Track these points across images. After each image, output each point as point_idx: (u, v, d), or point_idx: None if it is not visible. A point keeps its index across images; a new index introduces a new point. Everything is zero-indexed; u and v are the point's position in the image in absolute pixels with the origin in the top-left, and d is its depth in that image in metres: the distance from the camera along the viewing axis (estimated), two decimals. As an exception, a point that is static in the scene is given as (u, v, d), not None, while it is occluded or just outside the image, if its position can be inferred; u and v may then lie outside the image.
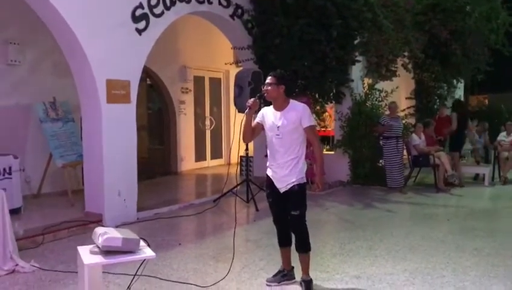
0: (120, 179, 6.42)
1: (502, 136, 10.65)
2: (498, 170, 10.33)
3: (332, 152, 9.56)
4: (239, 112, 7.05)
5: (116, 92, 6.35)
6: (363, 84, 9.76)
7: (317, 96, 8.99)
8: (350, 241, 5.53)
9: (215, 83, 11.87)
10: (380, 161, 9.32)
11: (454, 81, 13.01)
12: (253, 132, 4.16)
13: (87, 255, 3.08)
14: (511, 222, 6.72)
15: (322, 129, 10.28)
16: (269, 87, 4.01)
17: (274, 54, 8.38)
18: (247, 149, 7.93)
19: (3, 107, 7.27)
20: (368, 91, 9.59)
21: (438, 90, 12.54)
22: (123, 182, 6.47)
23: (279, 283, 4.18)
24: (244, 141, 4.33)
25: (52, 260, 4.90)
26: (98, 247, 3.08)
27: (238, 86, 7.18)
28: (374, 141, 9.26)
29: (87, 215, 6.34)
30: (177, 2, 7.20)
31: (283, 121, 3.96)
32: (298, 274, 4.18)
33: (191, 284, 4.18)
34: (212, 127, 11.68)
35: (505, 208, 7.80)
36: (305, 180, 4.03)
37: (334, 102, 9.39)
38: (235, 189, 7.53)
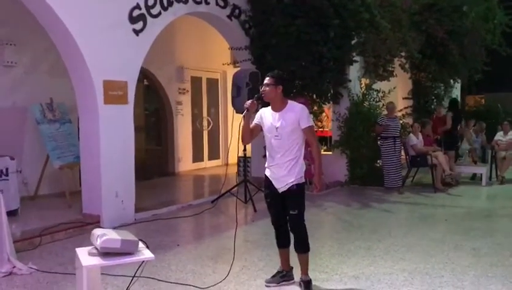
0: (118, 180, 6.40)
1: (499, 135, 10.68)
2: (495, 170, 10.36)
3: (330, 152, 9.56)
4: (237, 112, 6.99)
5: (113, 93, 6.34)
6: (361, 84, 9.77)
7: (314, 96, 8.98)
8: (348, 242, 5.52)
9: (213, 83, 11.85)
10: (378, 161, 9.34)
11: (451, 81, 13.04)
12: (251, 134, 4.15)
13: (85, 256, 3.06)
14: (509, 222, 6.72)
15: (320, 130, 10.28)
16: (267, 88, 4.00)
17: (271, 54, 8.38)
18: (245, 150, 7.92)
19: (-1, 109, 7.25)
20: (365, 91, 9.61)
21: (435, 90, 12.57)
22: (121, 183, 6.45)
23: (278, 283, 4.17)
24: (243, 143, 4.33)
25: (49, 261, 4.87)
26: (97, 249, 3.06)
27: (236, 86, 7.17)
28: (371, 141, 9.27)
29: (85, 216, 6.32)
30: (175, 2, 7.19)
31: (281, 122, 3.95)
32: (297, 275, 4.18)
33: (190, 285, 4.17)
34: (209, 128, 11.67)
35: (502, 207, 7.81)
36: (303, 180, 4.03)
37: (331, 102, 9.39)
38: (233, 190, 7.53)
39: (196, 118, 11.34)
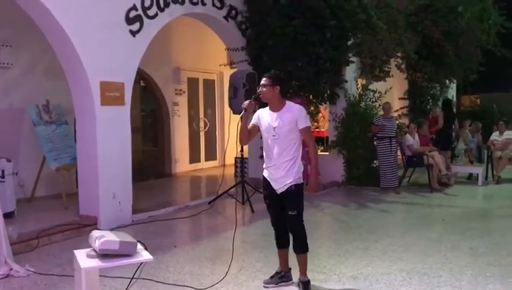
0: (115, 181, 6.39)
1: (495, 135, 10.73)
2: (491, 170, 10.40)
3: (327, 153, 9.57)
4: (234, 113, 7.06)
5: (110, 94, 6.32)
6: (357, 85, 9.79)
7: (311, 97, 8.99)
8: (346, 242, 5.53)
9: (209, 84, 11.85)
10: (375, 161, 9.36)
11: (447, 81, 13.09)
12: (249, 134, 4.15)
13: (84, 258, 3.05)
14: (506, 222, 6.74)
15: (316, 130, 10.30)
16: (264, 89, 4.00)
17: (268, 55, 8.39)
18: (242, 151, 7.92)
19: (-5, 110, 7.23)
20: (361, 92, 9.63)
21: (430, 90, 12.61)
22: (118, 184, 6.44)
23: (276, 284, 4.17)
24: (240, 144, 4.33)
25: (47, 263, 4.86)
26: (95, 250, 3.05)
27: (233, 87, 7.17)
28: (368, 142, 9.29)
29: (82, 218, 6.30)
30: (171, 3, 7.19)
31: (279, 122, 3.96)
32: (295, 275, 4.18)
33: (188, 286, 4.16)
34: (206, 129, 11.66)
35: (499, 207, 7.85)
36: (302, 181, 4.03)
37: (328, 103, 9.41)
38: (231, 190, 7.52)
39: (193, 119, 11.33)
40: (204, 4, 7.87)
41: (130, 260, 3.06)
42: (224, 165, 8.78)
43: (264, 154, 4.15)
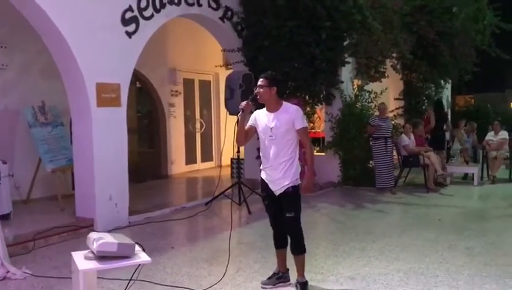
0: (111, 183, 6.38)
1: (490, 135, 10.79)
2: (487, 170, 10.45)
3: (323, 153, 9.58)
4: (230, 114, 7.02)
5: (106, 95, 6.31)
6: (353, 85, 9.81)
7: (307, 98, 9.00)
8: (343, 243, 5.54)
9: (205, 85, 11.83)
10: (371, 161, 9.38)
11: (442, 81, 13.14)
12: (246, 135, 4.16)
13: (81, 260, 3.04)
14: (501, 221, 6.77)
15: (312, 131, 10.30)
16: (261, 90, 4.00)
17: (264, 56, 8.39)
18: (238, 151, 7.91)
19: (-9, 112, 7.19)
20: (357, 92, 9.65)
21: (426, 90, 12.65)
22: (114, 186, 6.42)
23: (274, 285, 4.17)
24: (238, 145, 4.33)
25: (44, 266, 4.84)
26: (93, 252, 3.04)
27: (229, 88, 7.16)
28: (364, 142, 9.31)
29: (78, 220, 6.27)
30: (167, 4, 7.18)
31: (276, 123, 3.96)
32: (293, 276, 4.19)
33: (186, 288, 4.16)
34: (202, 130, 11.65)
35: (494, 207, 7.88)
36: (299, 182, 4.03)
37: (324, 103, 9.42)
38: (227, 191, 7.51)
39: (189, 120, 11.31)
40: (200, 5, 7.87)
41: (128, 262, 3.06)
42: (220, 166, 8.77)
43: (261, 155, 4.15)
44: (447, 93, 14.62)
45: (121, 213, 6.49)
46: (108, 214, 6.30)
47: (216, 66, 10.65)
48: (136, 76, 9.31)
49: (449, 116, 15.25)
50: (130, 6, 6.59)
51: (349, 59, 9.26)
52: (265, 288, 4.17)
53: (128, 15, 6.58)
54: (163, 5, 7.10)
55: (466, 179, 10.46)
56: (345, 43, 9.02)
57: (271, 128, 3.97)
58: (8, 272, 4.46)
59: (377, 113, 9.35)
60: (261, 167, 4.14)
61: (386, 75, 10.39)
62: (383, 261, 4.86)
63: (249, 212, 7.06)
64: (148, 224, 6.55)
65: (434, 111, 10.79)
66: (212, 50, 10.19)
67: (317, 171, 8.76)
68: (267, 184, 4.07)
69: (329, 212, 7.36)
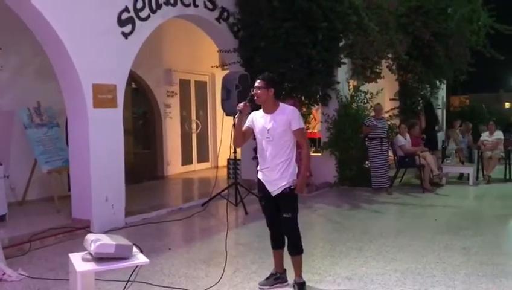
0: (107, 184, 6.36)
1: (485, 136, 10.84)
2: (482, 170, 10.50)
3: (319, 154, 9.60)
4: (227, 115, 7.05)
5: (102, 96, 6.29)
6: (349, 86, 9.83)
7: (303, 98, 9.01)
8: (340, 243, 5.55)
9: (201, 86, 11.82)
10: (366, 162, 9.40)
11: (437, 82, 13.19)
12: (243, 137, 4.15)
13: (79, 262, 3.04)
14: (497, 221, 6.81)
15: (308, 131, 10.31)
16: (259, 91, 4.00)
17: (260, 56, 8.39)
18: (235, 152, 7.91)
19: (-14, 113, 7.15)
20: (353, 93, 9.68)
21: (421, 91, 12.69)
22: (111, 187, 6.41)
23: (271, 285, 4.17)
24: (235, 146, 4.33)
25: (40, 267, 4.82)
26: (91, 254, 3.04)
27: (226, 89, 7.15)
28: (360, 143, 9.33)
29: (75, 221, 6.25)
30: (163, 5, 7.17)
31: (273, 124, 3.96)
32: (290, 277, 4.19)
33: (183, 289, 4.16)
34: (198, 131, 11.64)
35: (490, 207, 7.93)
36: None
37: (320, 104, 9.43)
38: (224, 192, 7.51)
39: (185, 120, 11.30)
40: (196, 6, 7.86)
41: (126, 263, 3.05)
42: (217, 167, 8.76)
43: (258, 156, 4.15)
44: (442, 93, 14.68)
45: (117, 214, 6.47)
46: (104, 215, 6.28)
47: (212, 67, 10.65)
48: (132, 77, 9.29)
49: (444, 117, 15.35)
50: (126, 7, 6.58)
51: (345, 60, 9.28)
52: (263, 289, 4.16)
53: (125, 16, 6.56)
54: (159, 6, 7.09)
55: (461, 179, 10.51)
56: (341, 43, 9.05)
57: (268, 130, 3.97)
58: (4, 274, 4.43)
59: (372, 113, 9.37)
60: (258, 168, 4.14)
61: (381, 75, 10.43)
62: (380, 261, 4.87)
63: (246, 213, 7.06)
64: (145, 225, 6.54)
65: (425, 112, 10.99)
66: (208, 51, 10.18)
67: (314, 171, 8.83)
68: (263, 185, 4.07)
69: (325, 213, 7.37)
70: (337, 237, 5.86)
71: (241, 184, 7.72)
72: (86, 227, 6.06)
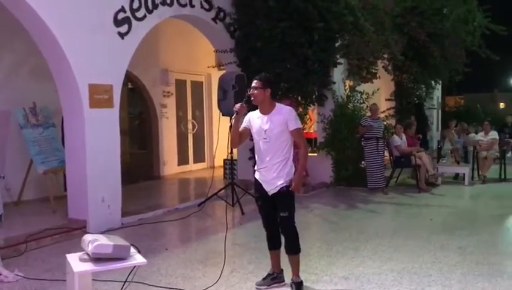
0: (104, 184, 6.34)
1: (480, 136, 10.89)
2: (477, 170, 10.54)
3: (315, 154, 9.61)
4: (223, 115, 7.02)
5: (98, 96, 6.28)
6: (345, 86, 9.85)
7: (299, 98, 9.02)
8: (337, 243, 5.56)
9: (197, 86, 11.81)
10: (362, 162, 9.43)
11: (433, 82, 13.25)
12: (240, 137, 4.16)
13: (76, 262, 3.03)
14: (493, 221, 6.84)
15: (304, 131, 10.31)
16: (255, 91, 4.00)
17: (256, 57, 8.40)
18: (231, 152, 7.89)
19: (-19, 113, 7.12)
20: (349, 93, 9.70)
21: (416, 91, 12.76)
22: (107, 187, 6.39)
23: (269, 285, 4.18)
24: (232, 147, 4.32)
25: (36, 268, 4.80)
26: (88, 254, 3.03)
27: (222, 89, 7.14)
28: (356, 143, 9.35)
29: (71, 222, 6.23)
30: (160, 5, 7.16)
31: (270, 125, 3.97)
32: (287, 277, 4.19)
33: (181, 289, 4.16)
34: (194, 131, 11.63)
35: (485, 206, 7.97)
36: (293, 182, 4.04)
37: (316, 104, 9.45)
38: (221, 192, 7.50)
39: (181, 120, 11.29)
40: (192, 6, 7.86)
41: (124, 264, 3.05)
42: (213, 167, 8.76)
43: (255, 156, 4.15)
44: (437, 94, 14.75)
45: (113, 215, 6.46)
46: (100, 216, 6.26)
47: (208, 67, 10.64)
48: (128, 77, 9.26)
49: (439, 117, 15.43)
50: (123, 7, 6.57)
51: (341, 60, 9.30)
52: (260, 289, 4.17)
53: (121, 16, 6.55)
54: (155, 6, 7.08)
55: (457, 179, 10.55)
56: (337, 44, 9.07)
57: (265, 131, 3.98)
58: (0, 275, 4.42)
59: (368, 114, 9.40)
60: (256, 168, 4.15)
61: (377, 76, 10.46)
62: (377, 261, 4.88)
63: (242, 213, 7.06)
64: (141, 225, 6.53)
65: (415, 113, 11.19)
66: (205, 51, 10.17)
67: (310, 171, 8.84)
68: (260, 184, 4.07)
69: (322, 213, 7.38)
70: (333, 237, 5.87)
71: (237, 184, 7.72)
72: (82, 227, 6.05)
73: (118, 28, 6.53)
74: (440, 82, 14.56)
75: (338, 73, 9.47)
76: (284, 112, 4.00)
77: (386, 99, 12.54)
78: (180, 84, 11.22)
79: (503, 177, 10.34)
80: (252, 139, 4.20)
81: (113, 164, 6.53)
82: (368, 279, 4.36)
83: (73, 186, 6.36)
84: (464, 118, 13.65)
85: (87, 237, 3.12)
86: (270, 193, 4.03)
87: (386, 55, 10.55)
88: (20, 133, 7.17)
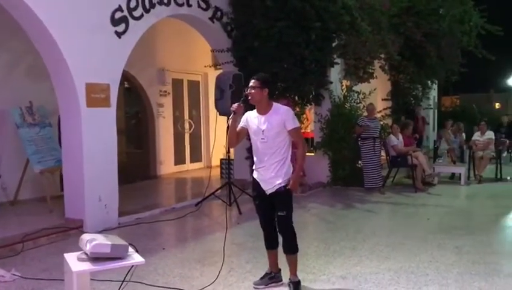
0: (100, 184, 6.33)
1: (477, 136, 10.94)
2: (473, 169, 10.58)
3: (312, 154, 9.62)
4: (220, 114, 7.03)
5: (95, 95, 6.26)
6: (342, 86, 9.87)
7: (296, 98, 9.03)
8: (334, 242, 5.57)
9: (194, 85, 11.80)
10: (359, 161, 9.44)
11: (429, 82, 13.29)
12: (238, 137, 4.16)
13: (74, 262, 3.02)
14: (489, 220, 6.87)
15: (301, 131, 10.32)
16: (253, 91, 4.00)
17: (253, 56, 8.39)
18: (228, 152, 7.90)
19: (-23, 113, 7.09)
20: (346, 93, 9.71)
21: (413, 91, 12.79)
22: (104, 187, 6.38)
23: (266, 285, 4.18)
24: (230, 147, 4.33)
25: (33, 268, 4.78)
26: (86, 254, 3.02)
27: (219, 88, 7.13)
28: (353, 143, 9.36)
29: (67, 221, 6.21)
30: (157, 4, 7.15)
31: (267, 125, 3.97)
32: (285, 276, 4.20)
33: (178, 289, 4.15)
34: (191, 130, 11.62)
35: (481, 206, 8.00)
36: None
37: (313, 104, 9.46)
38: (218, 192, 7.50)
39: (178, 120, 11.27)
40: (189, 5, 7.85)
41: (122, 263, 3.05)
42: (210, 167, 8.75)
43: (254, 156, 4.15)
44: (433, 93, 14.79)
45: (110, 214, 6.44)
46: (97, 215, 6.25)
47: (205, 67, 10.62)
48: (125, 76, 9.24)
49: (435, 117, 15.46)
50: (120, 6, 6.55)
51: (338, 60, 9.31)
52: (258, 288, 4.17)
53: (118, 15, 6.54)
54: (152, 5, 7.07)
55: (453, 178, 10.59)
56: (334, 44, 9.08)
57: (263, 131, 3.97)
58: (-3, 274, 4.41)
59: (365, 113, 9.41)
60: (254, 167, 4.15)
61: (374, 76, 10.48)
62: (374, 260, 4.90)
63: (240, 213, 7.06)
64: (138, 225, 6.52)
65: (406, 114, 11.31)
66: (202, 50, 10.16)
67: (307, 171, 8.84)
68: (258, 183, 4.07)
69: (319, 212, 7.39)
70: (330, 237, 5.88)
71: (234, 184, 7.71)
72: (79, 227, 6.03)
73: (115, 27, 6.51)
74: (436, 82, 14.60)
75: (335, 73, 9.48)
76: (282, 112, 4.00)
77: (382, 99, 12.57)
78: (177, 84, 11.21)
79: (499, 177, 10.39)
80: (249, 139, 4.20)
81: (110, 163, 6.51)
82: (365, 278, 4.37)
83: (70, 186, 6.35)
84: (460, 118, 13.69)
85: (85, 237, 3.11)
86: (268, 193, 4.03)
87: (382, 55, 10.57)
88: (16, 132, 7.14)
